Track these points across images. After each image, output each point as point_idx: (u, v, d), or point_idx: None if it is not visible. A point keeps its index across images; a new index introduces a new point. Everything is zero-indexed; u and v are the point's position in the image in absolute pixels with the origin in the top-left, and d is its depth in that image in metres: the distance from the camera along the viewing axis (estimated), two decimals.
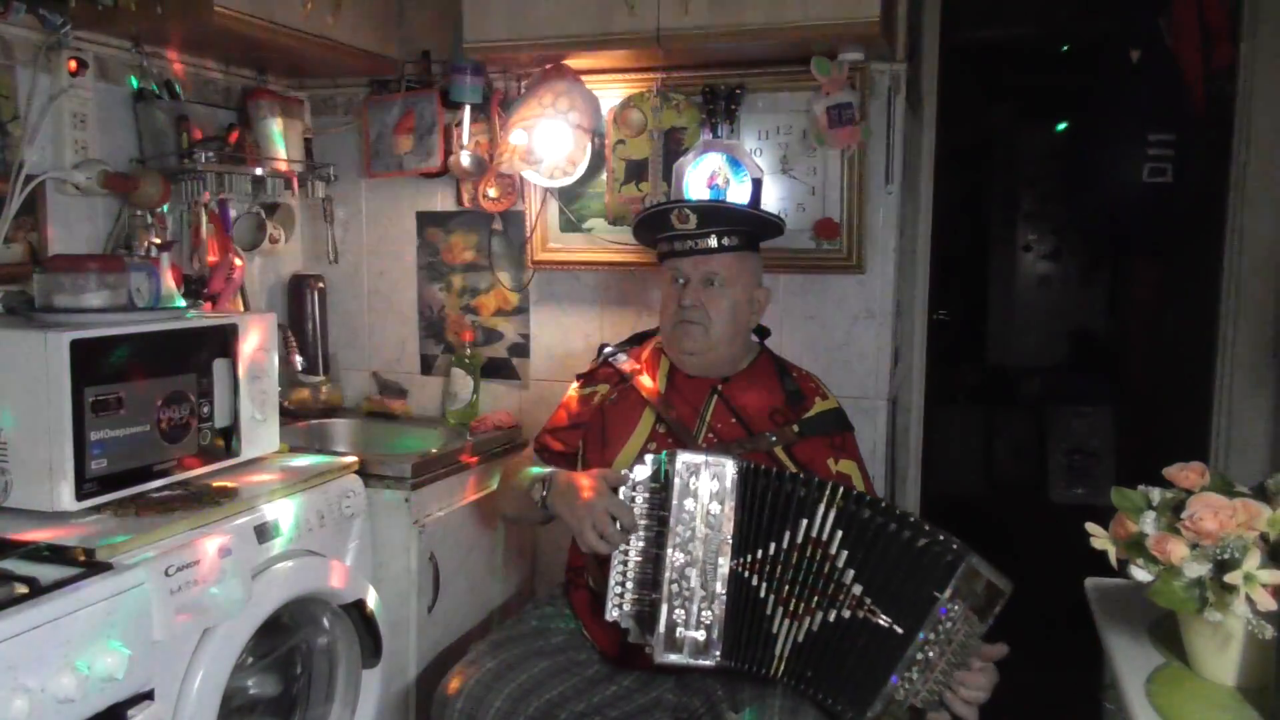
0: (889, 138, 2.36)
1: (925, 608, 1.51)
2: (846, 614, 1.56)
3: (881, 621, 1.53)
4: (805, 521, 1.59)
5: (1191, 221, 2.83)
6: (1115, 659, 1.35)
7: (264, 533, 1.81)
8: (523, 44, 2.30)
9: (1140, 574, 1.27)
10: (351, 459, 2.14)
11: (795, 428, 1.88)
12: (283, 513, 1.87)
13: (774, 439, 1.86)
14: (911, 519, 1.59)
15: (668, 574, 1.59)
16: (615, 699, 1.81)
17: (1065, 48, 5.28)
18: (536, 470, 1.90)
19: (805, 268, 2.40)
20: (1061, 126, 6.36)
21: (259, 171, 2.46)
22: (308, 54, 2.40)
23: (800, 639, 1.58)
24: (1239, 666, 1.24)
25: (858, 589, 1.55)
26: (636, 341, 2.13)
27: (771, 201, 2.38)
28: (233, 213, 2.50)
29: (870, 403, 2.41)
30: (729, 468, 1.61)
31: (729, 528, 1.61)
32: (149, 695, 1.49)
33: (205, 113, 2.43)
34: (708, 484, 1.61)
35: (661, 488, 1.66)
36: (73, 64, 2.09)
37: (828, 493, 1.59)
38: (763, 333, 2.06)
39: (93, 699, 1.38)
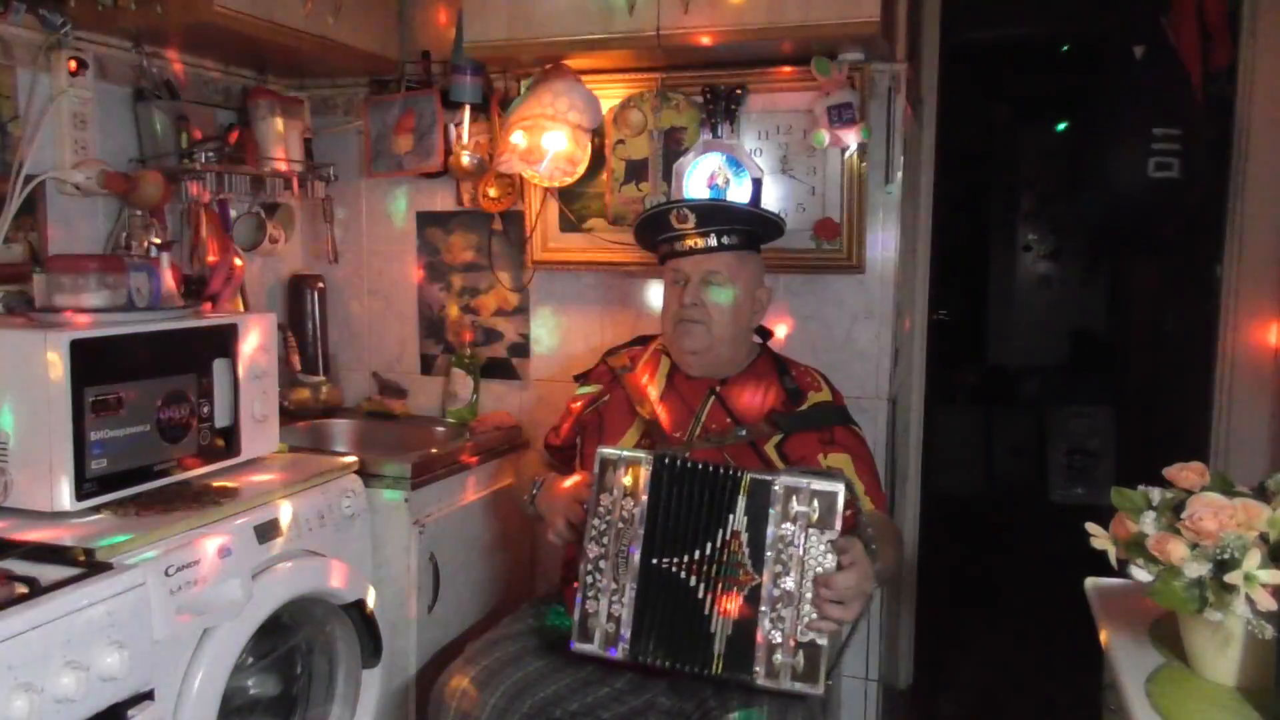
0: (889, 138, 2.36)
1: (759, 544, 1.54)
2: (747, 591, 1.57)
3: (754, 581, 1.56)
4: (731, 516, 1.59)
5: (1200, 216, 2.81)
6: (1115, 659, 1.35)
7: (264, 533, 1.81)
8: (523, 44, 2.30)
9: (1140, 574, 1.27)
10: (351, 459, 2.14)
11: (774, 422, 1.87)
12: (283, 513, 1.87)
13: (745, 434, 1.86)
14: (712, 468, 1.59)
15: (584, 565, 1.62)
16: (608, 700, 1.81)
17: (1065, 48, 5.27)
18: (547, 473, 1.97)
19: (805, 268, 2.41)
20: (1061, 126, 6.37)
21: (259, 171, 2.46)
22: (308, 54, 2.40)
23: (730, 632, 1.58)
24: (1239, 666, 1.24)
25: (749, 563, 1.57)
26: (639, 343, 2.13)
27: (771, 201, 2.38)
28: (233, 213, 2.50)
29: (870, 403, 2.41)
30: (645, 463, 1.62)
31: (641, 521, 1.60)
32: (149, 695, 1.49)
33: (205, 113, 2.44)
34: (624, 478, 1.62)
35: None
36: (73, 64, 2.09)
37: (743, 482, 1.58)
38: (765, 334, 2.06)
39: (93, 699, 1.38)
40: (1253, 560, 1.15)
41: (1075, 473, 5.57)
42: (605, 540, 1.62)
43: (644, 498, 1.60)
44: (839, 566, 1.53)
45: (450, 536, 2.31)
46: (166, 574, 1.55)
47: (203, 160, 2.31)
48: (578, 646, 1.62)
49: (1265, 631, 1.15)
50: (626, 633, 1.59)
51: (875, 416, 2.41)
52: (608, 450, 1.64)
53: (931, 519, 3.13)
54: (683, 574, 1.58)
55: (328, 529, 1.98)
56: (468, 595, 2.40)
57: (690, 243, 1.91)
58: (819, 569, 1.53)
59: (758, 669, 1.54)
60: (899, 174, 2.38)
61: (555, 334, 2.70)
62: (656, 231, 1.97)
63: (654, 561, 1.59)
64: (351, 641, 2.04)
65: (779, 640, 1.53)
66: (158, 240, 2.22)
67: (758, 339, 2.05)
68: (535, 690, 1.76)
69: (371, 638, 2.04)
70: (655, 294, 2.59)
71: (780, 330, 2.44)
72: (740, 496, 1.57)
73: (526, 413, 2.71)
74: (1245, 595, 1.14)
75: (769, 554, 1.54)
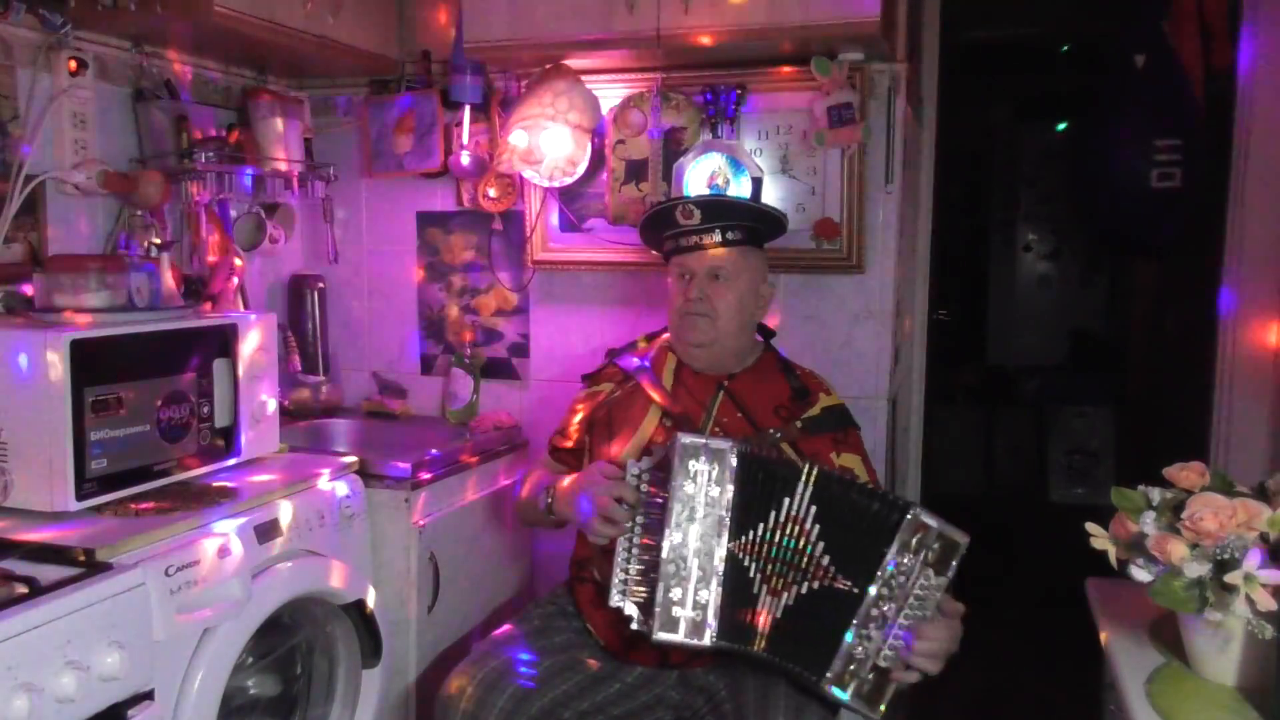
0: (889, 138, 2.36)
1: (874, 564, 1.56)
2: (816, 585, 1.60)
3: (840, 585, 1.58)
4: (787, 500, 1.62)
5: (1201, 225, 2.82)
6: (1115, 659, 1.35)
7: (264, 533, 1.81)
8: (523, 44, 2.30)
9: (1140, 574, 1.27)
10: (351, 459, 2.14)
11: (799, 424, 1.90)
12: (283, 513, 1.87)
13: (779, 435, 1.88)
14: (870, 488, 1.64)
15: (665, 554, 1.62)
16: (618, 697, 1.81)
17: (1065, 48, 5.28)
18: (546, 483, 1.95)
19: (805, 268, 2.41)
20: (1061, 126, 6.37)
21: (259, 171, 2.46)
22: (308, 54, 2.40)
23: (779, 615, 1.61)
24: (1239, 666, 1.24)
25: (826, 559, 1.60)
26: (645, 340, 2.13)
27: (771, 202, 2.37)
28: (233, 213, 2.49)
29: (870, 403, 2.41)
30: (730, 451, 1.63)
31: (726, 510, 1.62)
32: (149, 695, 1.49)
33: (205, 113, 2.43)
34: (708, 467, 1.63)
35: (665, 474, 1.68)
36: (73, 64, 2.09)
37: (804, 471, 1.62)
38: (767, 333, 2.07)
39: (93, 699, 1.38)
40: (1253, 560, 1.15)
41: (1075, 473, 5.57)
42: (690, 527, 1.62)
43: (730, 486, 1.62)
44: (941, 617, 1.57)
45: (450, 536, 2.31)
46: (166, 574, 1.55)
47: (203, 160, 2.31)
48: (661, 637, 1.61)
49: (1265, 631, 1.15)
50: (714, 621, 1.60)
51: (875, 416, 2.41)
52: (689, 438, 1.64)
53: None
54: (752, 564, 1.62)
55: (328, 529, 1.98)
56: (468, 595, 2.40)
57: (695, 239, 1.93)
58: (921, 609, 1.56)
59: (829, 674, 1.57)
60: (899, 174, 2.38)
61: (555, 334, 2.70)
62: (661, 228, 1.99)
63: (734, 547, 1.62)
64: (351, 641, 2.04)
65: (861, 656, 1.56)
66: (158, 240, 2.22)
67: (760, 337, 2.05)
68: (543, 692, 1.76)
69: (371, 638, 2.04)
70: (656, 294, 2.59)
71: (780, 330, 2.44)
72: (803, 486, 1.61)
73: (526, 413, 2.71)
74: (1245, 595, 1.14)
75: (880, 573, 1.56)
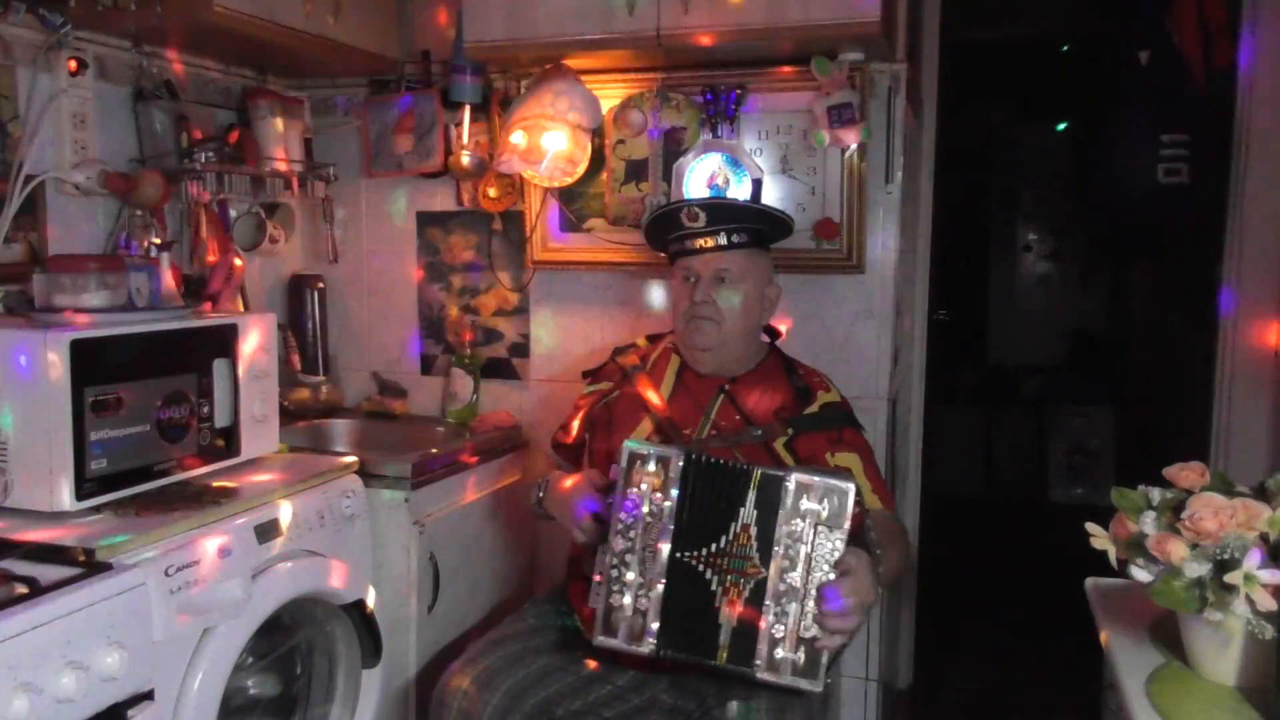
0: (889, 138, 2.36)
1: (769, 540, 1.54)
2: (753, 584, 1.57)
3: (758, 573, 1.56)
4: (741, 510, 1.59)
5: (1210, 221, 2.81)
6: (1115, 659, 1.35)
7: (264, 533, 1.81)
8: (523, 44, 2.30)
9: (1140, 574, 1.27)
10: (351, 459, 2.14)
11: (787, 424, 1.89)
12: (283, 513, 1.87)
13: (761, 434, 1.87)
14: (739, 467, 1.59)
15: (609, 559, 1.61)
16: (610, 699, 1.81)
17: (1065, 48, 5.27)
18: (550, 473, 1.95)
19: (805, 268, 2.40)
20: (1062, 126, 6.37)
21: (259, 171, 2.46)
22: (308, 54, 2.40)
23: (735, 625, 1.58)
24: (1239, 666, 1.24)
25: (757, 556, 1.57)
26: (649, 341, 2.13)
27: (771, 202, 2.37)
28: (233, 213, 2.50)
29: (870, 403, 2.41)
30: (674, 456, 1.61)
31: (670, 516, 1.60)
32: (149, 695, 1.49)
33: (205, 113, 2.43)
34: (653, 473, 1.61)
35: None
36: (73, 64, 2.09)
37: (754, 477, 1.58)
38: (773, 334, 2.07)
39: (93, 699, 1.38)
40: (1253, 560, 1.15)
41: (1075, 473, 5.57)
42: (632, 534, 1.61)
43: (674, 492, 1.60)
44: (842, 574, 1.54)
45: (450, 536, 2.31)
46: (166, 574, 1.55)
47: (203, 160, 2.31)
48: (601, 641, 1.60)
49: (1265, 631, 1.15)
50: (654, 626, 1.59)
51: (875, 416, 2.41)
52: (636, 445, 1.63)
53: (931, 519, 3.13)
54: (701, 567, 1.59)
55: (328, 529, 1.98)
56: (468, 595, 2.40)
57: (701, 241, 1.92)
58: (825, 567, 1.53)
59: (758, 661, 1.55)
60: (899, 174, 2.38)
61: (555, 334, 2.70)
62: (666, 230, 1.99)
63: (679, 556, 1.59)
64: (351, 641, 2.04)
65: (781, 635, 1.54)
66: (158, 240, 2.22)
67: (766, 338, 2.05)
68: (537, 690, 1.77)
69: (371, 638, 2.04)
70: (656, 294, 2.59)
71: (780, 330, 2.45)
72: (751, 490, 1.57)
73: (526, 413, 2.71)
74: (1245, 595, 1.14)
75: (777, 549, 1.55)
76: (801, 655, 1.54)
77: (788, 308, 2.45)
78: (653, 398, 1.95)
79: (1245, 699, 1.22)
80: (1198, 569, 1.19)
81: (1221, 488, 1.26)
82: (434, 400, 2.80)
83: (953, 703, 3.17)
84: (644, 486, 1.61)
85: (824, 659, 1.55)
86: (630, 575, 1.59)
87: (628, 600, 1.59)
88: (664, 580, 1.59)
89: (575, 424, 2.07)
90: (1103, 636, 1.44)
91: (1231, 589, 1.15)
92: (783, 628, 1.54)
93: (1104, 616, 1.48)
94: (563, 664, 1.82)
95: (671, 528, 1.59)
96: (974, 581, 4.15)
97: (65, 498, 1.62)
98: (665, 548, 1.59)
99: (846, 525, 1.54)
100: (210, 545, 1.65)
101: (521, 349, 2.74)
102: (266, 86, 2.63)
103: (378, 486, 2.17)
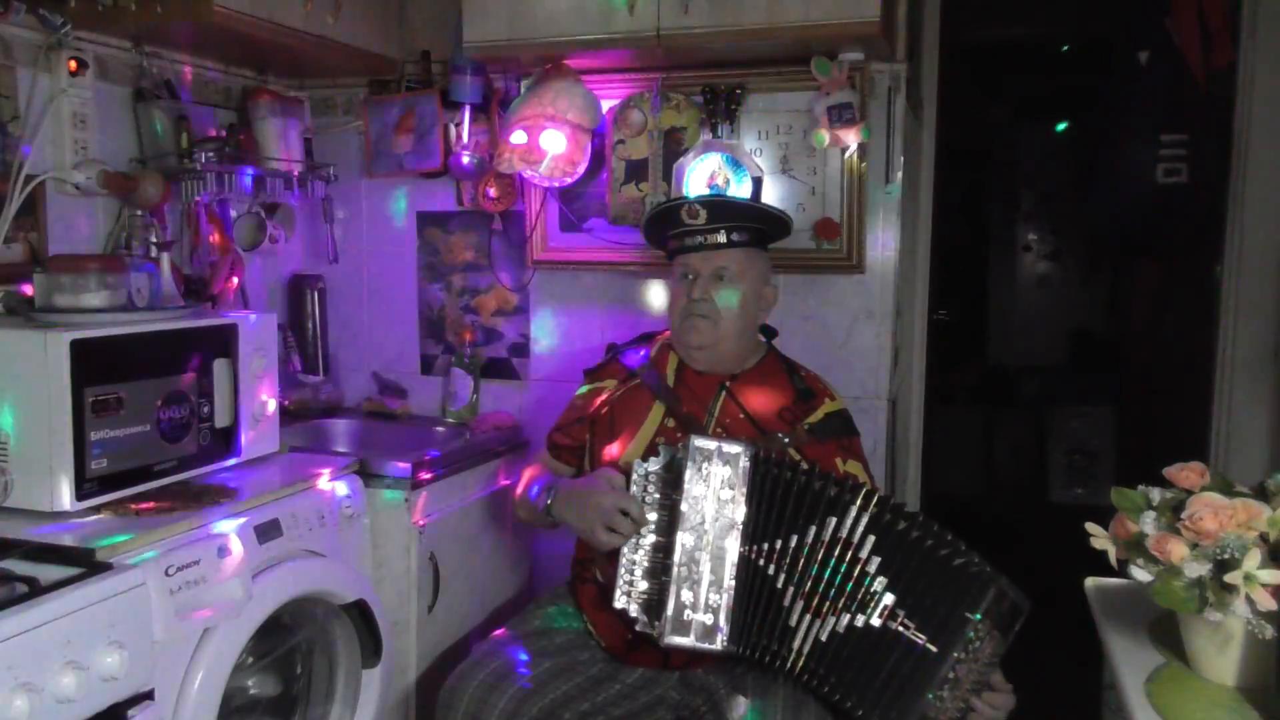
0: (889, 138, 2.36)
1: (959, 627, 1.53)
2: (877, 623, 1.56)
3: (916, 638, 1.55)
4: (834, 520, 1.60)
5: (1210, 220, 2.82)
6: (1115, 659, 1.35)
7: (264, 533, 1.81)
8: (523, 44, 2.30)
9: (1140, 574, 1.27)
10: (351, 459, 2.14)
11: (807, 429, 1.90)
12: (283, 513, 1.87)
13: (786, 440, 1.87)
14: (941, 533, 1.61)
15: (677, 557, 1.60)
16: (619, 697, 1.81)
17: (1065, 48, 5.27)
18: (554, 478, 1.95)
19: (805, 268, 2.41)
20: (1061, 126, 6.37)
21: (259, 171, 2.46)
22: (308, 54, 2.40)
23: (824, 638, 1.58)
24: (1239, 666, 1.24)
25: (889, 598, 1.57)
26: (644, 340, 2.13)
27: (771, 202, 2.37)
28: (233, 213, 2.50)
29: (870, 403, 2.41)
30: (742, 454, 1.62)
31: (739, 514, 1.62)
32: (149, 695, 1.49)
33: (205, 113, 2.43)
34: (719, 469, 1.62)
35: (673, 475, 1.68)
36: (73, 64, 2.09)
37: (861, 497, 1.60)
38: (770, 333, 2.07)
39: (93, 699, 1.38)
40: (1253, 560, 1.15)
41: (1075, 473, 5.56)
42: (702, 530, 1.61)
43: (743, 490, 1.61)
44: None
45: (450, 536, 2.31)
46: (166, 574, 1.55)
47: (203, 160, 2.30)
48: (672, 641, 1.60)
49: (1265, 631, 1.15)
50: (725, 625, 1.59)
51: (875, 416, 2.41)
52: (702, 441, 1.64)
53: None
54: (767, 565, 1.60)
55: (328, 529, 1.98)
56: (468, 595, 2.40)
57: (700, 238, 1.92)
58: (982, 676, 1.55)
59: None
60: (899, 174, 2.38)
61: (555, 334, 2.70)
62: (666, 226, 1.98)
63: (748, 551, 1.61)
64: (351, 641, 2.04)
65: (933, 716, 1.53)
66: (157, 240, 2.22)
67: (763, 338, 2.05)
68: (544, 693, 1.76)
69: (371, 638, 2.03)
70: (656, 294, 2.59)
71: (780, 330, 2.44)
72: (852, 510, 1.60)
73: (526, 413, 2.71)
74: (1245, 595, 1.14)
75: (961, 637, 1.53)
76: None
77: (788, 308, 2.45)
78: (663, 395, 1.93)
79: (1245, 699, 1.22)
80: (1198, 569, 1.19)
81: (1221, 488, 1.26)
82: (434, 400, 2.80)
83: None
84: (714, 482, 1.61)
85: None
86: (699, 571, 1.60)
87: (699, 597, 1.59)
88: (735, 578, 1.60)
89: (576, 426, 2.05)
90: (1103, 636, 1.44)
91: (1231, 589, 1.15)
92: (934, 710, 1.52)
93: (1104, 616, 1.48)
94: (570, 665, 1.82)
95: (741, 523, 1.61)
96: None
97: (65, 498, 1.62)
98: (736, 545, 1.61)
99: (1010, 639, 1.57)
100: (210, 545, 1.65)
101: (521, 349, 2.74)
102: (266, 86, 2.63)
103: (378, 486, 2.17)
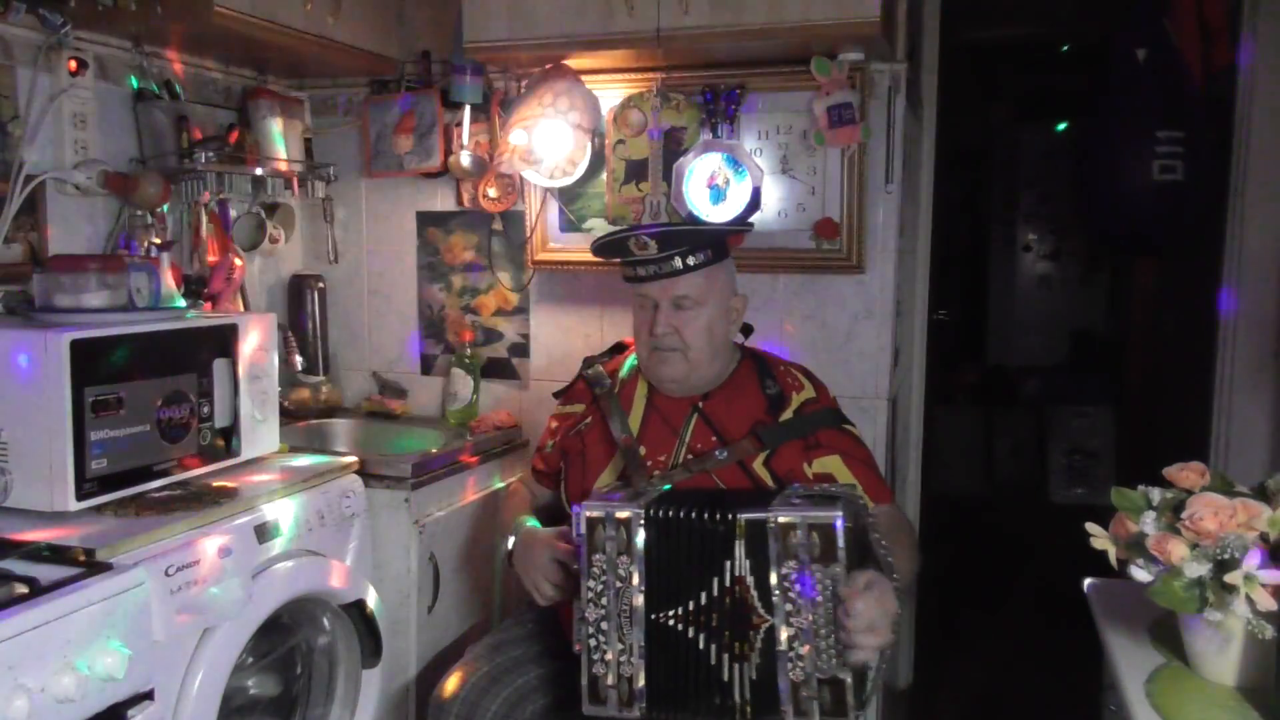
0: (889, 138, 2.36)
1: (765, 586, 1.47)
2: (763, 633, 1.50)
3: (767, 623, 1.49)
4: (729, 563, 1.52)
5: (1205, 217, 2.81)
6: (1115, 659, 1.35)
7: (264, 533, 1.81)
8: (523, 44, 2.29)
9: (1140, 574, 1.27)
10: (351, 459, 2.14)
11: (759, 439, 1.80)
12: (283, 513, 1.87)
13: (724, 456, 1.78)
14: (704, 518, 1.53)
15: (585, 629, 1.55)
16: None
17: (1065, 48, 5.28)
18: (520, 519, 1.88)
19: (805, 268, 2.41)
20: (1061, 126, 6.37)
21: (259, 171, 2.46)
22: (308, 54, 2.40)
23: (755, 677, 1.51)
24: (1239, 666, 1.24)
25: (759, 606, 1.50)
26: (618, 350, 2.08)
27: (771, 201, 2.38)
28: (233, 213, 2.50)
29: (870, 403, 2.41)
30: (635, 519, 1.55)
31: (639, 579, 1.54)
32: (149, 695, 1.49)
33: (205, 113, 2.43)
34: (614, 535, 1.55)
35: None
36: (73, 64, 2.09)
37: (739, 527, 1.51)
38: (746, 330, 1.98)
39: (93, 699, 1.38)
40: (1253, 560, 1.15)
41: (1075, 473, 5.57)
42: (604, 601, 1.55)
43: (639, 553, 1.54)
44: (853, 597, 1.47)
45: (450, 536, 2.31)
46: (166, 574, 1.55)
47: (203, 160, 2.30)
48: (590, 710, 1.56)
49: (1265, 631, 1.15)
50: (642, 692, 1.54)
51: (875, 416, 2.41)
52: (593, 510, 1.56)
53: (931, 519, 3.12)
54: (683, 626, 1.53)
55: (328, 529, 1.98)
56: (468, 595, 2.40)
57: (655, 267, 1.79)
58: (831, 601, 1.46)
59: (785, 708, 1.49)
60: (899, 174, 2.38)
61: (555, 334, 2.70)
62: (616, 254, 1.86)
63: (656, 617, 1.54)
64: (351, 641, 2.04)
65: (801, 678, 1.48)
66: (158, 240, 2.22)
67: (740, 337, 1.97)
68: (535, 698, 1.76)
69: (371, 638, 2.04)
70: None
71: (781, 330, 2.45)
72: (739, 541, 1.51)
73: (526, 413, 2.71)
74: (1245, 595, 1.14)
75: (775, 595, 1.48)
76: (827, 695, 1.47)
77: (788, 308, 2.45)
78: (619, 429, 1.86)
79: (1245, 699, 1.22)
80: (1198, 569, 1.19)
81: (1221, 488, 1.26)
82: (434, 400, 2.80)
83: (953, 703, 3.17)
84: (610, 549, 1.55)
85: (850, 695, 1.48)
86: (609, 642, 1.54)
87: (610, 668, 1.54)
88: (644, 644, 1.53)
89: (547, 450, 2.00)
90: (1103, 636, 1.44)
91: (1231, 589, 1.15)
92: (800, 672, 1.47)
93: (1104, 616, 1.48)
94: (562, 671, 1.80)
95: (643, 589, 1.53)
96: (974, 581, 4.17)
97: (65, 498, 1.62)
98: (640, 610, 1.54)
99: (841, 558, 1.46)
100: (210, 545, 1.65)
101: (521, 349, 2.74)
102: (266, 86, 2.63)
103: (378, 486, 2.17)
